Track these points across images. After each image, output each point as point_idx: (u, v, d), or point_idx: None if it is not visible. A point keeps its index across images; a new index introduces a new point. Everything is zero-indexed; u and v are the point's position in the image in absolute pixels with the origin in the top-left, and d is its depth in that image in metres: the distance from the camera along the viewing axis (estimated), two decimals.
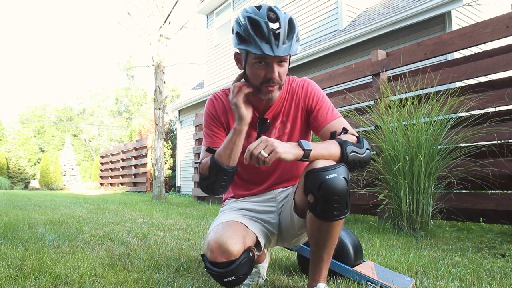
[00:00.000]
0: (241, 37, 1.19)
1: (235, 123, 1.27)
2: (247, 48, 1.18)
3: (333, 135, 1.28)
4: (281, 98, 1.38)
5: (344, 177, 1.15)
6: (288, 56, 1.22)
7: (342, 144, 1.21)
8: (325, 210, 1.16)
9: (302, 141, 1.17)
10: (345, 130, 1.30)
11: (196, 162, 1.45)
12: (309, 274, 1.34)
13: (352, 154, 1.21)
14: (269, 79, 1.22)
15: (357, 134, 1.31)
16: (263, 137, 1.14)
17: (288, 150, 1.12)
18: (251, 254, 1.25)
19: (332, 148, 1.20)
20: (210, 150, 1.36)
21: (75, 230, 2.88)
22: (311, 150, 1.16)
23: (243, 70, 1.28)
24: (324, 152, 1.19)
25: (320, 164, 1.17)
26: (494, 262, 1.91)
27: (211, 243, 1.20)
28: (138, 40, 38.34)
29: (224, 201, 1.58)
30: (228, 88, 1.41)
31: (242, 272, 1.21)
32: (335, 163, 1.18)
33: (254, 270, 1.55)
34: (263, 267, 1.59)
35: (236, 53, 1.30)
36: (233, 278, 1.18)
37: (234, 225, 1.28)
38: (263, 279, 1.56)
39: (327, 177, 1.13)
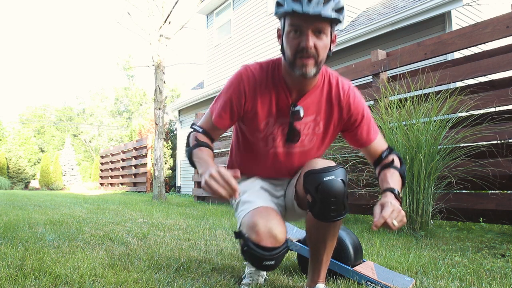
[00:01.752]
0: (278, 3, 1.17)
1: (204, 174, 1.09)
2: (279, 10, 1.15)
3: (381, 158, 1.35)
4: (317, 88, 1.28)
5: (341, 179, 1.16)
6: (328, 28, 1.15)
7: (403, 175, 1.31)
8: (323, 211, 1.17)
9: (395, 189, 1.21)
10: (389, 149, 1.36)
11: (192, 125, 1.40)
12: (308, 275, 1.35)
13: (403, 170, 1.32)
14: (303, 49, 1.13)
15: (395, 152, 1.37)
16: (396, 206, 1.12)
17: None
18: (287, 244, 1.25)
19: (398, 180, 1.29)
20: (205, 132, 1.33)
21: (75, 230, 2.88)
22: (396, 191, 1.21)
23: (280, 46, 1.22)
24: (399, 187, 1.27)
25: (319, 164, 1.18)
26: (494, 262, 1.91)
27: (260, 226, 1.16)
28: (138, 40, 38.34)
29: (228, 165, 1.50)
30: (264, 62, 1.32)
31: (281, 259, 1.20)
32: (334, 165, 1.20)
33: (253, 269, 1.55)
34: None
35: (277, 29, 1.26)
36: (272, 262, 1.18)
37: (274, 212, 1.24)
38: (262, 277, 1.56)
39: (324, 179, 1.15)
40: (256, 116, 1.29)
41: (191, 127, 1.39)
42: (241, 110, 1.30)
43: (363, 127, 1.32)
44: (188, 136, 1.37)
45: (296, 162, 1.36)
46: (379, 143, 1.36)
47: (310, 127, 1.31)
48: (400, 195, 1.22)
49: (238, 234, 1.21)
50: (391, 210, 1.09)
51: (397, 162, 1.32)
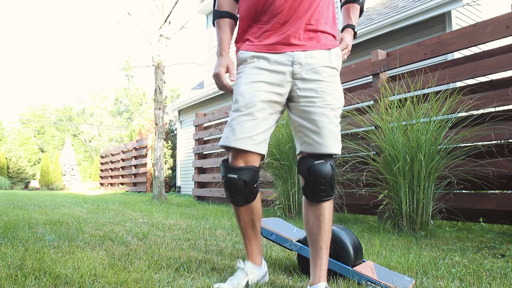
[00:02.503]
0: None
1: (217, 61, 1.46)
2: None
3: None
4: None
5: (330, 164, 1.36)
6: None
7: (361, 7, 1.56)
8: (313, 191, 1.36)
9: (353, 25, 1.52)
10: None
11: None
12: (310, 272, 1.38)
13: (363, 3, 1.56)
14: None
15: None
16: (348, 44, 1.51)
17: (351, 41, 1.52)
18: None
19: (358, 13, 1.56)
20: None
21: (75, 230, 2.88)
22: (355, 28, 1.53)
23: None
24: (357, 19, 1.55)
25: (332, 149, 1.37)
26: (494, 262, 1.91)
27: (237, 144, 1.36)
28: (138, 40, 38.34)
29: (237, 51, 1.50)
30: None
31: (248, 177, 1.39)
32: (324, 153, 1.36)
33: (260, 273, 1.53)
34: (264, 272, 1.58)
35: None
36: (235, 176, 1.39)
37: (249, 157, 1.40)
38: (244, 282, 1.49)
39: (315, 163, 1.35)
40: None
41: None
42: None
43: None
44: None
45: None
46: None
47: None
48: (356, 30, 1.53)
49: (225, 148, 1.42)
50: (344, 47, 1.49)
51: None
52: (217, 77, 1.44)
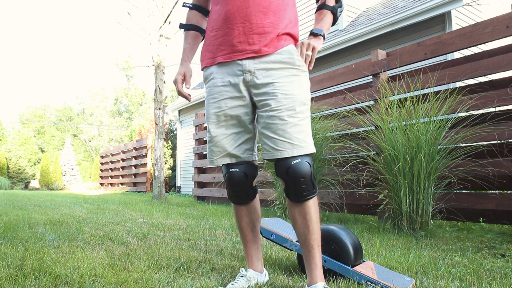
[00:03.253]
0: None
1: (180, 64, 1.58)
2: None
3: (322, 4, 1.49)
4: None
5: (307, 162, 1.33)
6: None
7: (334, 13, 1.48)
8: (295, 192, 1.33)
9: (317, 29, 1.42)
10: None
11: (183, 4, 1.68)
12: (306, 274, 1.38)
13: (339, 13, 1.50)
14: None
15: None
16: (310, 45, 1.39)
17: (319, 46, 1.41)
18: None
19: (329, 21, 1.48)
20: (194, 6, 1.62)
21: (75, 230, 2.88)
22: (321, 32, 1.42)
23: None
24: (328, 27, 1.47)
25: (287, 153, 1.33)
26: (494, 262, 1.91)
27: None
28: (138, 40, 38.35)
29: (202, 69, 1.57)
30: None
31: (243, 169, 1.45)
32: (299, 155, 1.33)
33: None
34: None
35: None
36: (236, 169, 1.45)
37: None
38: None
39: (292, 163, 1.32)
40: None
41: (183, 6, 1.63)
42: None
43: None
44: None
45: None
46: None
47: None
48: (325, 35, 1.45)
49: None
50: (301, 44, 1.39)
51: (330, 1, 1.48)
52: (174, 84, 1.55)
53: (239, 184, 1.46)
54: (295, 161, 1.32)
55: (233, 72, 1.40)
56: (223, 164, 1.48)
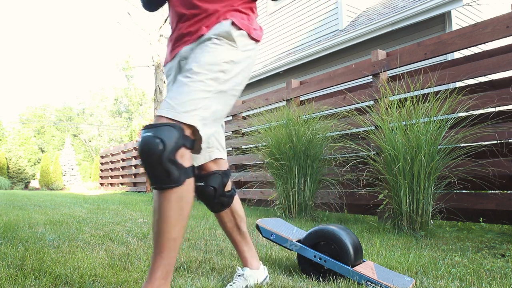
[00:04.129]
0: None
1: None
2: None
3: None
4: None
5: (159, 137, 0.99)
6: None
7: None
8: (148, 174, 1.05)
9: None
10: None
11: None
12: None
13: None
14: None
15: None
16: None
17: None
18: None
19: None
20: None
21: (75, 230, 2.88)
22: None
23: None
24: None
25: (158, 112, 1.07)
26: (494, 262, 1.91)
27: None
28: (138, 40, 38.34)
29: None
30: None
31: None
32: (161, 123, 1.03)
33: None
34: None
35: None
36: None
37: None
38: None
39: (143, 135, 1.04)
40: None
41: None
42: None
43: None
44: None
45: None
46: None
47: None
48: None
49: None
50: None
51: None
52: None
53: (208, 199, 1.37)
54: (145, 134, 1.03)
55: (173, 65, 1.39)
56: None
